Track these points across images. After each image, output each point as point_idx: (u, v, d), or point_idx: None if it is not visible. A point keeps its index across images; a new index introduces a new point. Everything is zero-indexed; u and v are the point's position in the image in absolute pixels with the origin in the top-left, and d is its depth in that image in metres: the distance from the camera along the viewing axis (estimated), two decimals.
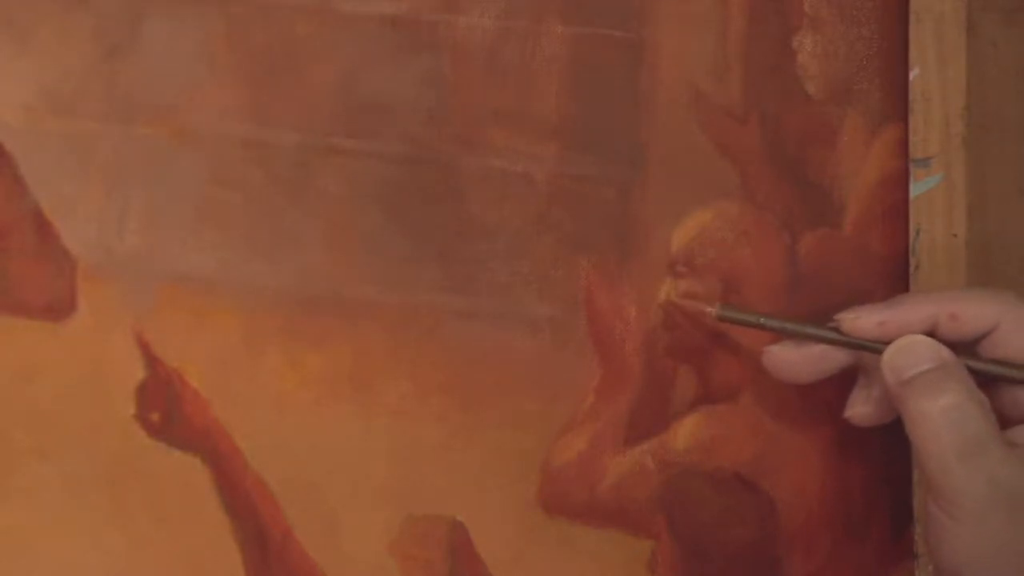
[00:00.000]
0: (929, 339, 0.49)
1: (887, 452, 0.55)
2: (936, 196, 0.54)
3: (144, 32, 0.51)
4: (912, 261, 0.54)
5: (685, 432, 0.54)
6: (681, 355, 0.54)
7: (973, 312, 0.49)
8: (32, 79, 0.51)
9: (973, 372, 0.48)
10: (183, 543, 0.51)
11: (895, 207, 0.55)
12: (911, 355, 0.48)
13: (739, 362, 0.55)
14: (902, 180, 0.55)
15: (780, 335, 0.52)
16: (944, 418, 0.46)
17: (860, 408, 0.52)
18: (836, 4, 0.55)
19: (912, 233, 0.54)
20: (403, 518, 0.52)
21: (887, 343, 0.49)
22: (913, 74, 0.54)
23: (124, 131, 0.51)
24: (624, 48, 0.54)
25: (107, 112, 0.51)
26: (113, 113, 0.51)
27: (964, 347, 0.49)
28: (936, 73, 0.54)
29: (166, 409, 0.51)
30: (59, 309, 0.51)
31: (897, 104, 0.55)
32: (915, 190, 0.54)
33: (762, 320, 0.51)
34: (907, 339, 0.49)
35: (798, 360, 0.51)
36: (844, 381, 0.53)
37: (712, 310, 0.52)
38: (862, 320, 0.50)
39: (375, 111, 0.53)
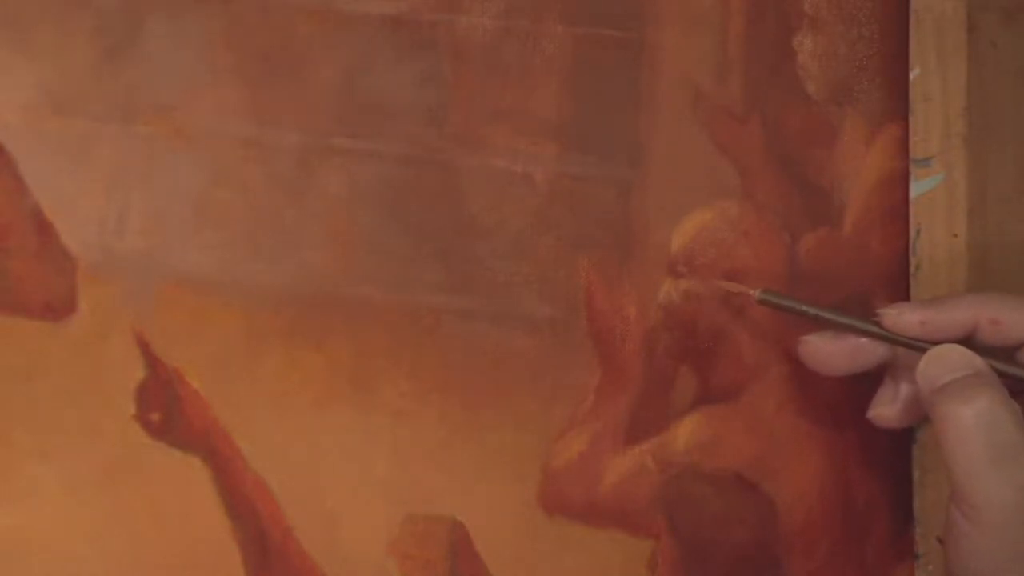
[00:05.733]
0: (963, 348, 0.48)
1: (887, 452, 0.55)
2: (937, 196, 0.54)
3: (144, 32, 0.51)
4: (912, 261, 0.54)
5: (685, 432, 0.54)
6: (681, 355, 0.54)
7: (1016, 319, 0.49)
8: (32, 79, 0.51)
9: (1007, 377, 0.48)
10: (183, 543, 0.51)
11: (895, 207, 0.55)
12: (945, 363, 0.48)
13: (739, 362, 0.55)
14: (902, 180, 0.55)
15: (817, 324, 0.51)
16: (976, 421, 0.46)
17: (885, 408, 0.52)
18: (836, 4, 0.55)
19: (912, 233, 0.54)
20: (403, 518, 0.52)
21: (927, 341, 0.49)
22: (913, 74, 0.54)
23: (124, 131, 0.51)
24: (624, 48, 0.54)
25: (107, 112, 0.51)
26: (113, 113, 0.51)
27: (1002, 353, 0.49)
28: (936, 73, 0.54)
29: (166, 409, 0.51)
30: (59, 309, 0.51)
31: (897, 104, 0.55)
32: (915, 190, 0.54)
33: (803, 307, 0.51)
34: (941, 348, 0.48)
35: (835, 351, 0.51)
36: (846, 381, 0.53)
37: (755, 293, 0.52)
38: (905, 316, 0.49)
39: (375, 111, 0.53)
